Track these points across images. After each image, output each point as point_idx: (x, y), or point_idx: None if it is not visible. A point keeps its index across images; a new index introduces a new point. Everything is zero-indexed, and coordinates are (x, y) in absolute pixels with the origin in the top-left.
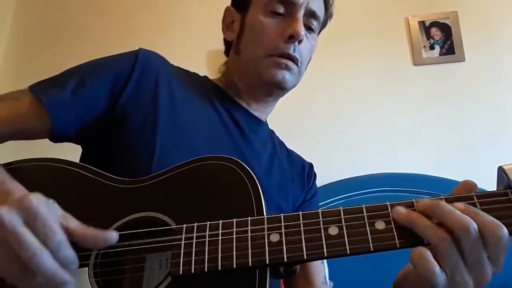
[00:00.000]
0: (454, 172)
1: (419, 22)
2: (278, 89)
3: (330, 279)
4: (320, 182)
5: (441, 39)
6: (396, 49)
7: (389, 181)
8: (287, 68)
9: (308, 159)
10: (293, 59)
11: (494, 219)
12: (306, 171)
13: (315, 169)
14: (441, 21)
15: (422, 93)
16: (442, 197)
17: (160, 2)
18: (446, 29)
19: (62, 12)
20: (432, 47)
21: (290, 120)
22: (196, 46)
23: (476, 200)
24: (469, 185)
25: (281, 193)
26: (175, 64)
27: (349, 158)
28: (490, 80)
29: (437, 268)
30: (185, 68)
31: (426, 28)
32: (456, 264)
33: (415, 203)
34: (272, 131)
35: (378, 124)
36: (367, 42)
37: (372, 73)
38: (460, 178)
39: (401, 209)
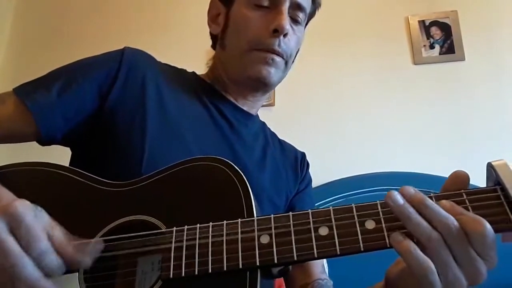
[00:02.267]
0: (454, 171)
1: (419, 21)
2: (263, 85)
3: (329, 278)
4: (319, 181)
5: (441, 38)
6: (396, 48)
7: (388, 180)
8: (273, 62)
9: (308, 159)
10: (279, 54)
11: (476, 215)
12: (299, 160)
13: (315, 169)
14: (441, 20)
15: (422, 92)
16: (431, 194)
17: (160, 2)
18: (446, 28)
19: (61, 13)
20: (432, 46)
21: (290, 119)
22: (195, 46)
23: (465, 197)
24: (458, 177)
25: (274, 186)
26: (175, 64)
27: (349, 157)
28: (490, 79)
29: (422, 255)
30: (185, 68)
31: (426, 27)
32: (447, 262)
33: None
34: (264, 123)
35: (377, 123)
36: (367, 41)
37: (372, 72)
38: None
39: (397, 198)
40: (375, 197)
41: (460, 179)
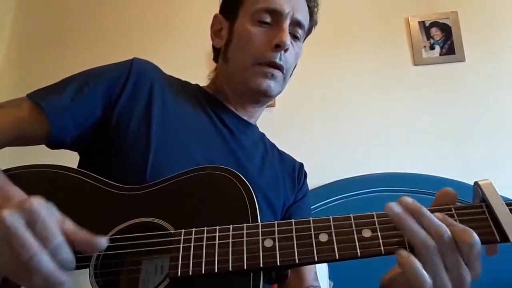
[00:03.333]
0: (454, 171)
1: (419, 22)
2: (263, 97)
3: (330, 279)
4: (320, 182)
5: (441, 39)
6: (396, 49)
7: (388, 181)
8: (273, 77)
9: (308, 159)
10: (279, 68)
11: (465, 227)
12: (297, 171)
13: (315, 170)
14: (441, 21)
15: (422, 93)
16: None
17: (160, 4)
18: (446, 29)
19: (62, 14)
20: (432, 47)
21: (290, 119)
22: (196, 47)
23: (454, 212)
24: (446, 194)
25: (273, 189)
26: (175, 65)
27: (349, 158)
28: (490, 80)
29: (423, 271)
30: (184, 69)
31: (426, 28)
32: (438, 268)
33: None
34: (263, 134)
35: (378, 123)
36: (367, 42)
37: (372, 73)
38: (459, 178)
39: (395, 207)
40: (375, 198)
41: (448, 196)
